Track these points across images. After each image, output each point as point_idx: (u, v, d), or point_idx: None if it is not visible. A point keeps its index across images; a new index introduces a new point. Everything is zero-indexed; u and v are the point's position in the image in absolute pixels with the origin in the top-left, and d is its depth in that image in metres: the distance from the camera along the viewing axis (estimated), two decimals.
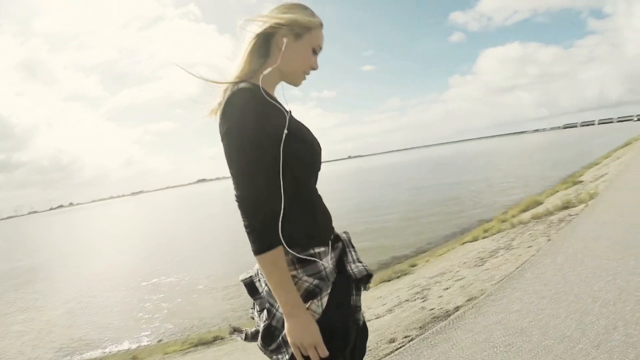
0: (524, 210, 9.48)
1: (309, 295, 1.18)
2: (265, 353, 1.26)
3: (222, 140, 1.16)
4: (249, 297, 1.32)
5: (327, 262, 1.24)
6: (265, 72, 1.24)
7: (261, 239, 1.11)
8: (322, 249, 1.25)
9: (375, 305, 4.97)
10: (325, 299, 1.20)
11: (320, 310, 1.18)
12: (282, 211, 1.15)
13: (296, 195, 1.22)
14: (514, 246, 5.69)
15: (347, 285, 1.29)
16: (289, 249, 1.16)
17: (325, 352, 1.12)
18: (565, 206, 7.56)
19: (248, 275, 1.32)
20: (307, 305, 1.16)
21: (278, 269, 1.12)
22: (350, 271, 1.31)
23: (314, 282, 1.19)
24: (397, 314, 4.15)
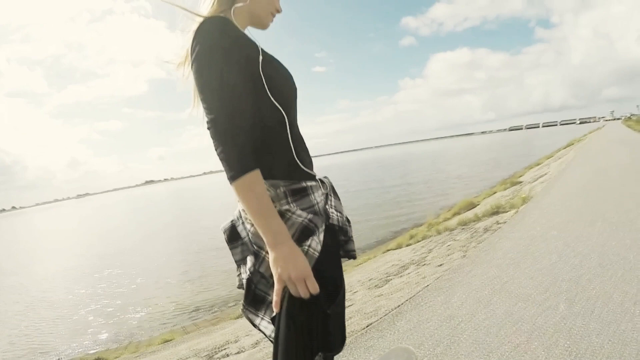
0: (457, 214, 8.92)
1: (305, 231, 1.10)
2: (249, 313, 1.19)
3: (192, 64, 1.10)
4: (228, 245, 1.23)
5: (319, 197, 1.20)
6: (238, 5, 1.23)
7: (236, 163, 1.01)
8: (314, 183, 1.20)
9: (243, 334, 4.03)
10: (322, 236, 1.13)
11: (319, 248, 1.10)
12: (290, 138, 1.16)
13: (280, 125, 1.17)
14: (427, 261, 4.68)
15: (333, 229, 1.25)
16: (280, 181, 1.13)
17: (316, 287, 1.02)
18: (495, 211, 6.75)
19: (229, 221, 1.23)
20: (307, 243, 1.08)
21: (257, 194, 1.02)
22: (331, 216, 1.25)
23: (309, 217, 1.12)
24: (254, 352, 3.24)
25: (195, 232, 19.25)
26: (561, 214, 5.14)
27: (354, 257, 1.35)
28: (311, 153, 1.29)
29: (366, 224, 13.83)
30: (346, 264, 8.14)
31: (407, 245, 6.99)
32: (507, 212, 6.45)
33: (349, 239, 1.33)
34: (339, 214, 1.29)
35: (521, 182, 12.22)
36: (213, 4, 1.22)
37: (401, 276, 4.35)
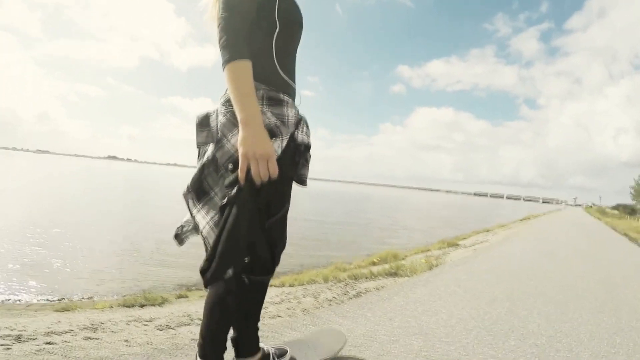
0: (374, 264, 7.65)
1: (270, 132, 1.18)
2: (189, 198, 1.29)
3: None
4: (196, 129, 1.30)
5: (292, 114, 1.30)
6: None
7: (234, 48, 1.14)
8: (291, 100, 1.33)
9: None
10: (284, 142, 1.23)
11: (280, 152, 1.20)
12: (273, 46, 1.29)
13: (281, 46, 1.31)
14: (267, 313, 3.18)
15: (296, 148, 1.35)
16: (262, 84, 1.25)
17: (276, 170, 1.12)
18: (394, 272, 5.34)
19: (205, 111, 1.33)
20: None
21: (245, 77, 1.14)
22: (296, 135, 1.33)
23: (276, 122, 1.23)
24: None
25: (141, 228, 16.28)
26: (461, 302, 3.47)
27: (303, 184, 1.40)
28: None
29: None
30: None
31: (289, 285, 5.64)
32: (405, 276, 4.97)
33: (306, 164, 1.39)
34: (306, 139, 1.35)
35: (459, 244, 11.20)
36: None
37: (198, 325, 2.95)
